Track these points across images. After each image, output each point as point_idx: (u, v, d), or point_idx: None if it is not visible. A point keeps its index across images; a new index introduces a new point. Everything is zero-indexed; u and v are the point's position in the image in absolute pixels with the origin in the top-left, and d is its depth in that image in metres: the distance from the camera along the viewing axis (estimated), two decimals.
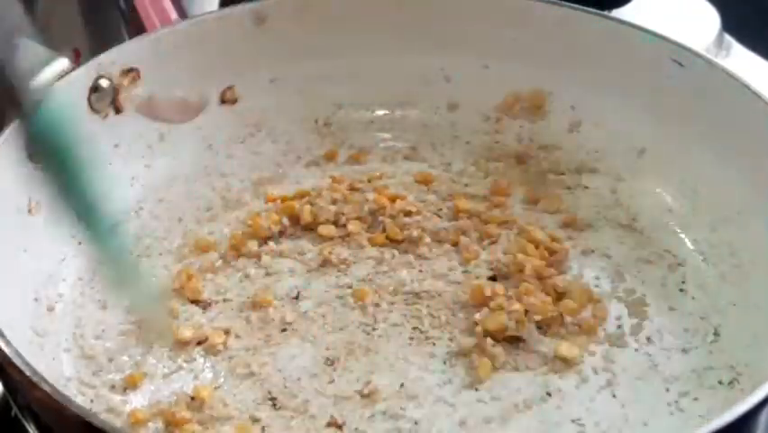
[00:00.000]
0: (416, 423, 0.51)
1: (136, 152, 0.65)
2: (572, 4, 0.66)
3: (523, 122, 0.69)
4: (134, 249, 0.61)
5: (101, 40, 0.62)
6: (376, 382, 0.53)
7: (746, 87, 0.59)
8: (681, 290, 0.59)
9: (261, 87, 0.69)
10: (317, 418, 0.51)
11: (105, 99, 0.62)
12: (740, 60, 0.83)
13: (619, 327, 0.57)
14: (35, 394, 0.43)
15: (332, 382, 0.53)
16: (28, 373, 0.44)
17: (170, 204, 0.65)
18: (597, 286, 0.59)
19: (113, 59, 0.62)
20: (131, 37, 0.66)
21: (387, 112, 0.71)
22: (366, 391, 0.52)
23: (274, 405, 0.52)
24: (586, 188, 0.66)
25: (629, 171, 0.66)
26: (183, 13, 0.70)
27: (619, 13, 0.73)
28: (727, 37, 0.84)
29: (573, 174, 0.67)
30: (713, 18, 0.84)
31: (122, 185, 0.64)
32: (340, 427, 0.51)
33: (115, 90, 0.63)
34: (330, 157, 0.68)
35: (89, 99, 0.61)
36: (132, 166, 0.65)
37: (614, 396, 0.53)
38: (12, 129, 0.55)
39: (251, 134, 0.69)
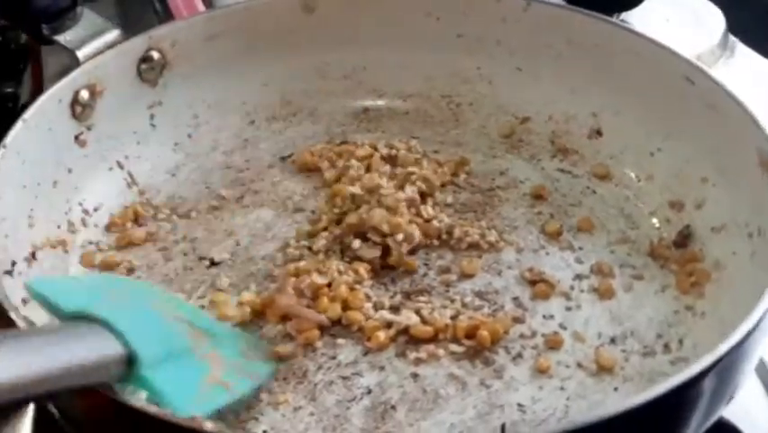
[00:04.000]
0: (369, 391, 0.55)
1: (182, 120, 0.71)
2: (604, 16, 0.69)
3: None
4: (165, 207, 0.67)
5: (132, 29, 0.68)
6: None
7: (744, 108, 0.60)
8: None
9: (305, 71, 0.74)
10: None
11: (154, 70, 0.69)
12: (745, 61, 0.82)
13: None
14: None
15: None
16: None
17: (206, 171, 0.70)
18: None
19: (163, 34, 0.69)
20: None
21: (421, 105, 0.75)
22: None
23: None
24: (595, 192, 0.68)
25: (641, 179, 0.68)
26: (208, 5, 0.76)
27: (627, 15, 0.74)
28: (732, 38, 0.84)
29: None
30: (718, 20, 0.84)
31: (164, 148, 0.70)
32: None
33: (164, 63, 0.69)
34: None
35: (139, 68, 0.68)
36: (177, 132, 0.71)
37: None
38: (49, 94, 0.61)
39: (293, 114, 0.74)
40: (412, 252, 0.62)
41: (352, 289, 0.59)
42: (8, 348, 0.41)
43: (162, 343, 0.48)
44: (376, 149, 0.70)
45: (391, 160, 0.69)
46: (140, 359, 0.45)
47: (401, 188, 0.65)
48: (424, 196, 0.65)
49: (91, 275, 0.60)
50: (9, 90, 0.84)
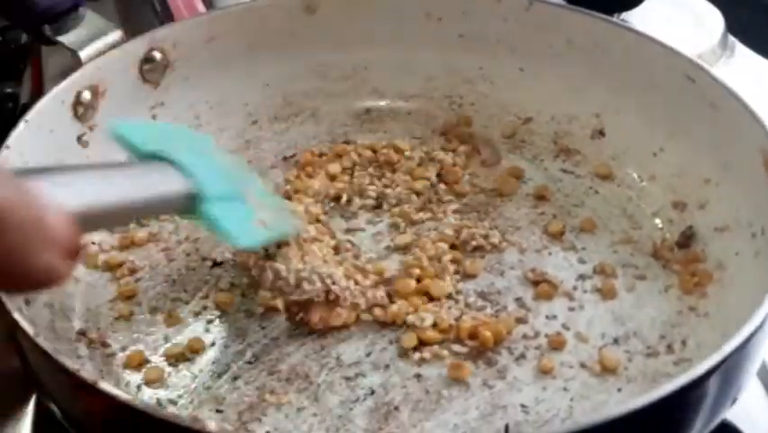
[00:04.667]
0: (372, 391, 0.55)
1: (184, 121, 0.71)
2: (605, 16, 0.69)
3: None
4: None
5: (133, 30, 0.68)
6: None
7: (746, 106, 0.60)
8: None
9: (307, 72, 0.74)
10: None
11: (156, 71, 0.69)
12: (744, 61, 0.82)
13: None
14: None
15: None
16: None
17: None
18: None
19: (165, 35, 0.68)
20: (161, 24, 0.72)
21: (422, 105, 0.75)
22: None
23: None
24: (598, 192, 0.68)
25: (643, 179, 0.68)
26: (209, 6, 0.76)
27: (627, 15, 0.74)
28: (732, 38, 0.84)
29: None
30: (717, 20, 0.84)
31: None
32: None
33: (166, 63, 0.69)
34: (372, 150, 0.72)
35: (141, 69, 0.68)
36: None
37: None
38: (52, 95, 0.62)
39: (295, 115, 0.74)
40: None
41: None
42: (104, 177, 0.47)
43: (221, 185, 0.53)
44: (375, 151, 0.70)
45: (389, 165, 0.69)
46: (204, 196, 0.51)
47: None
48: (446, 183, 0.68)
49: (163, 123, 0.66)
50: (9, 90, 0.84)
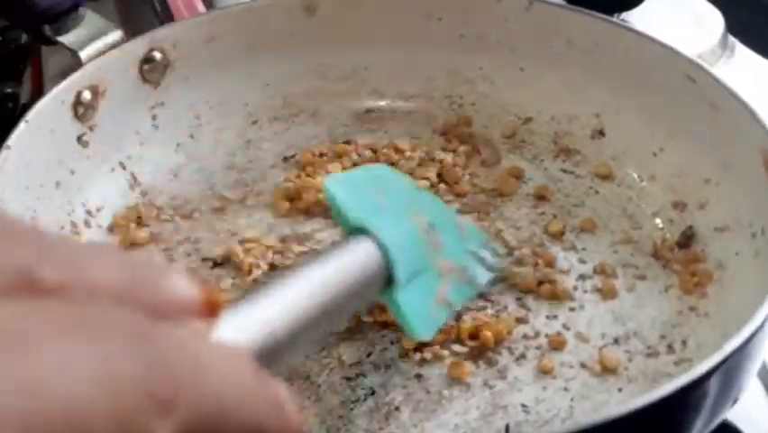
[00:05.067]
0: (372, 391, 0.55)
1: (184, 121, 0.71)
2: (605, 16, 0.69)
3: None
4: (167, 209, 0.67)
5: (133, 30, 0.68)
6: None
7: (746, 106, 0.60)
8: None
9: (307, 72, 0.74)
10: None
11: (156, 71, 0.69)
12: (744, 61, 0.82)
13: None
14: None
15: None
16: None
17: (208, 172, 0.70)
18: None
19: (165, 35, 0.69)
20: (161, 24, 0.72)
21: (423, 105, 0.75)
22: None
23: None
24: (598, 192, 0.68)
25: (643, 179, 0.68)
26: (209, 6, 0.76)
27: (627, 15, 0.74)
28: (732, 38, 0.84)
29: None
30: (717, 20, 0.84)
31: (167, 149, 0.70)
32: None
33: (166, 63, 0.69)
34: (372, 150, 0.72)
35: (141, 69, 0.68)
36: (179, 133, 0.71)
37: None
38: (52, 96, 0.61)
39: (296, 115, 0.74)
40: None
41: None
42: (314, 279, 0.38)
43: (413, 262, 0.48)
44: (375, 151, 0.70)
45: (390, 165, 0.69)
46: (396, 281, 0.45)
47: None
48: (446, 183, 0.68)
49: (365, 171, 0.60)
50: (9, 90, 0.84)
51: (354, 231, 0.46)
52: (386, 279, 0.45)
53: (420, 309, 0.49)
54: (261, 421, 0.25)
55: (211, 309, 0.27)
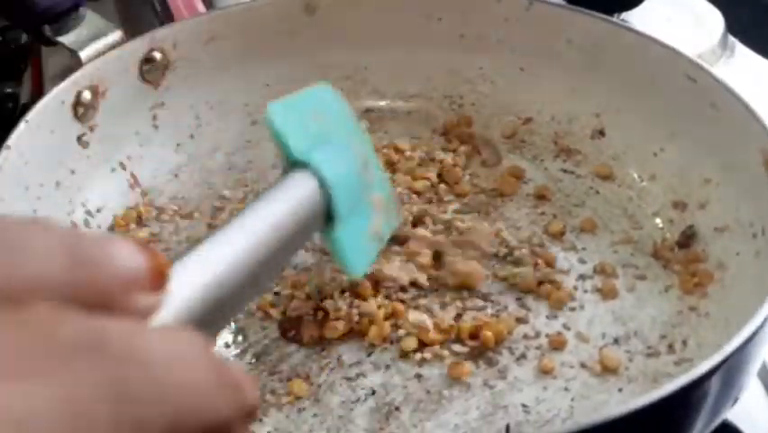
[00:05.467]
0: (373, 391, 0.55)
1: (184, 121, 0.71)
2: (605, 16, 0.69)
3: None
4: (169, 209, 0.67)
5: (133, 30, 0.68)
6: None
7: (746, 106, 0.60)
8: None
9: (307, 72, 0.74)
10: None
11: (156, 71, 0.69)
12: (744, 61, 0.82)
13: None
14: None
15: None
16: None
17: (208, 172, 0.70)
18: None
19: (166, 35, 0.68)
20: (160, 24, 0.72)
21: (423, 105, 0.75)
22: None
23: None
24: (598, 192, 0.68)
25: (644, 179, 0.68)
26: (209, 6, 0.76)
27: (627, 15, 0.74)
28: (732, 38, 0.84)
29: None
30: (717, 20, 0.84)
31: (167, 149, 0.70)
32: None
33: (166, 63, 0.69)
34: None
35: (141, 69, 0.68)
36: (179, 133, 0.71)
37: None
38: (52, 96, 0.61)
39: None
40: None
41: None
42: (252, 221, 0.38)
43: (353, 197, 0.47)
44: (375, 151, 0.70)
45: (389, 165, 0.69)
46: (337, 218, 0.45)
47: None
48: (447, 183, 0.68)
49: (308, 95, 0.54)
50: (9, 90, 0.84)
51: (296, 164, 0.45)
52: (326, 214, 0.44)
53: (357, 245, 0.48)
54: (220, 409, 0.26)
55: (158, 278, 0.27)
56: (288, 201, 0.41)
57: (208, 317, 0.31)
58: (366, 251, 0.50)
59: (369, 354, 0.57)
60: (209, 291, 0.32)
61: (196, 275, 0.32)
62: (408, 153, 0.70)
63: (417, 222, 0.65)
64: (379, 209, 0.50)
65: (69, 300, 0.25)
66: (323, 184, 0.44)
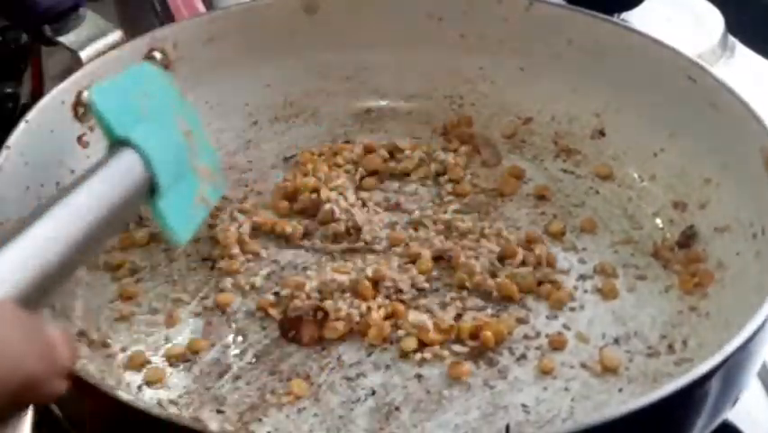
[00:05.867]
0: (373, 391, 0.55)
1: None
2: (605, 16, 0.69)
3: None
4: None
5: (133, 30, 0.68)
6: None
7: (746, 106, 0.60)
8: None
9: (308, 72, 0.74)
10: None
11: None
12: (744, 61, 0.82)
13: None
14: None
15: None
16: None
17: None
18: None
19: (166, 35, 0.68)
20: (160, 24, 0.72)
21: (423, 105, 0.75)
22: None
23: None
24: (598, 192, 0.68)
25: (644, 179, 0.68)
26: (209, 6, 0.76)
27: (627, 15, 0.74)
28: (732, 39, 0.84)
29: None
30: (717, 20, 0.84)
31: None
32: None
33: (167, 63, 0.69)
34: (368, 150, 0.71)
35: None
36: None
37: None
38: (52, 96, 0.61)
39: (296, 115, 0.74)
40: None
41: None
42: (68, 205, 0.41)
43: (175, 168, 0.49)
44: (374, 150, 0.70)
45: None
46: (159, 190, 0.47)
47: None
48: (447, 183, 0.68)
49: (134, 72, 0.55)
50: (9, 90, 0.84)
51: (118, 142, 0.47)
52: (150, 187, 0.47)
53: (181, 213, 0.50)
54: (28, 363, 0.28)
55: None
56: (109, 179, 0.44)
57: (35, 293, 0.36)
58: (191, 217, 0.51)
59: (369, 355, 0.57)
60: (36, 268, 0.36)
61: (24, 255, 0.36)
62: (408, 153, 0.70)
63: (418, 222, 0.65)
64: (205, 177, 0.52)
65: None
66: (143, 159, 0.46)
